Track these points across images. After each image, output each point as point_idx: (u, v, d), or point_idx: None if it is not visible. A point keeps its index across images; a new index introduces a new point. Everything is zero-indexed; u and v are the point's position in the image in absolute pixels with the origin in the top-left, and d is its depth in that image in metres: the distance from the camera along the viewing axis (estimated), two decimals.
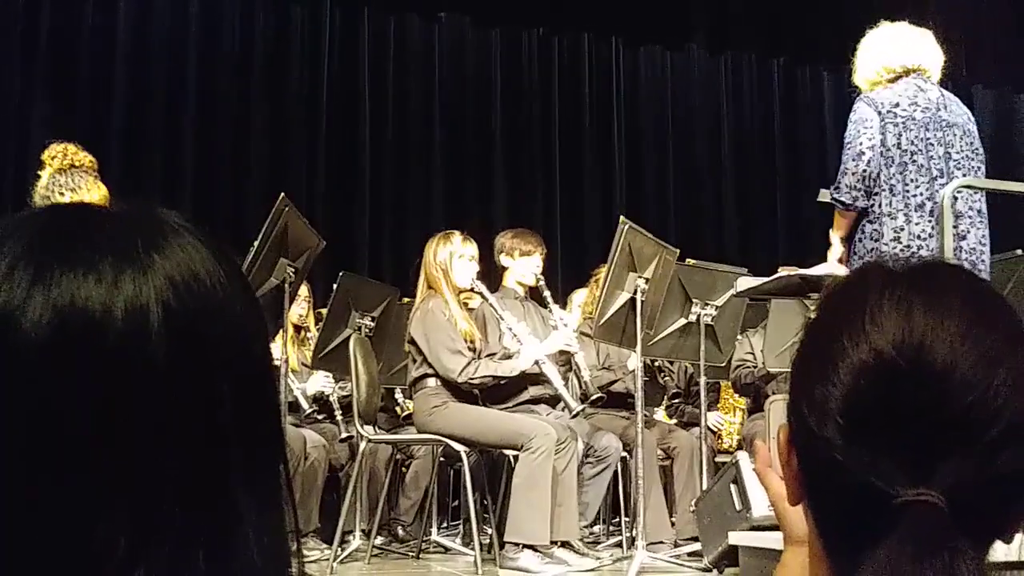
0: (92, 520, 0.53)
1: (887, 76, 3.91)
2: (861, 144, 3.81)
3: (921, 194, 3.74)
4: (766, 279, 4.32)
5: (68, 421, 0.54)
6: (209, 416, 0.57)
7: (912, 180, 3.75)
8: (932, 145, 3.78)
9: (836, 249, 3.97)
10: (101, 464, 0.54)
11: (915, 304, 0.77)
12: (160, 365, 0.55)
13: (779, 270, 5.23)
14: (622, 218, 4.78)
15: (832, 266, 3.98)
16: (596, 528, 5.99)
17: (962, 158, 3.82)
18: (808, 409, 0.78)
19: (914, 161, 3.77)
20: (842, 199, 3.85)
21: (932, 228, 3.72)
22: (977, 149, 3.90)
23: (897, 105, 3.82)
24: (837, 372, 0.77)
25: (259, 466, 0.58)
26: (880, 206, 3.77)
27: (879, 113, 3.81)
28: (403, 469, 6.11)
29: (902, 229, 3.73)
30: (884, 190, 3.77)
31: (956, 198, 3.69)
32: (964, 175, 3.77)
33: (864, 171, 3.79)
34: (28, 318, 0.55)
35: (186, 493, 0.55)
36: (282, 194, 4.64)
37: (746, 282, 4.47)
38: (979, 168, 3.88)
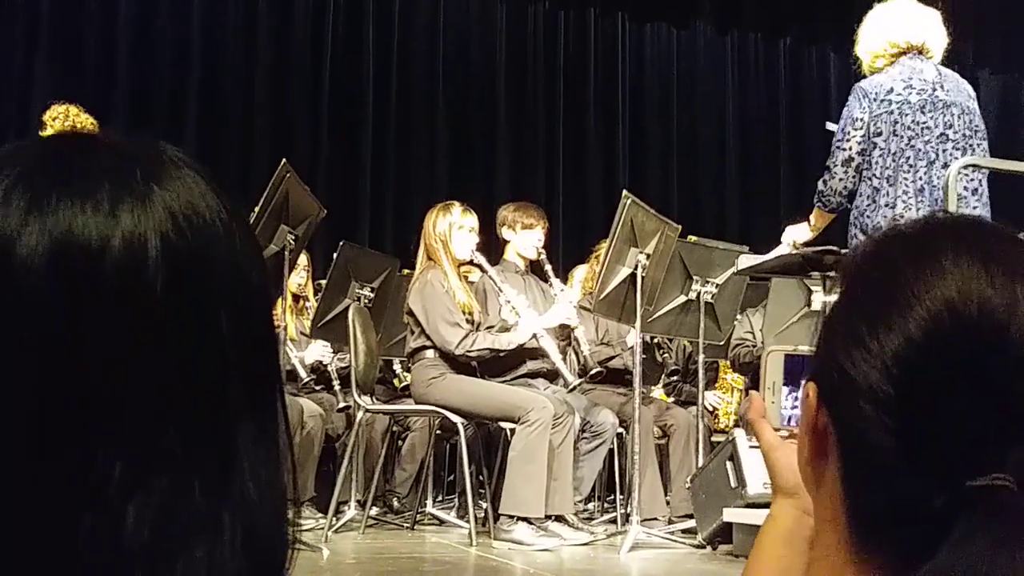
0: (90, 447, 0.53)
1: (891, 51, 3.85)
2: (851, 148, 3.78)
3: (920, 179, 3.69)
4: (767, 257, 4.31)
5: (64, 349, 0.53)
6: (207, 348, 0.56)
7: (911, 166, 3.69)
8: (928, 128, 3.72)
9: (791, 236, 4.12)
10: (98, 392, 0.53)
11: (993, 261, 0.68)
12: (158, 296, 0.55)
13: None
14: (624, 192, 4.77)
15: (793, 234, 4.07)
16: (591, 504, 6.00)
17: (960, 137, 3.75)
18: (854, 365, 0.68)
19: (912, 146, 3.70)
20: (827, 203, 3.88)
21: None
22: (977, 127, 3.81)
23: (891, 91, 3.75)
24: (906, 322, 0.67)
25: (256, 399, 0.58)
26: (876, 199, 3.73)
27: (873, 101, 3.75)
28: (399, 441, 6.12)
29: (901, 216, 3.65)
30: (883, 180, 3.72)
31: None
32: (962, 155, 3.70)
33: (853, 178, 3.79)
34: (24, 244, 0.54)
35: (183, 424, 0.55)
36: (283, 160, 4.62)
37: (747, 260, 4.47)
38: (979, 146, 3.80)
